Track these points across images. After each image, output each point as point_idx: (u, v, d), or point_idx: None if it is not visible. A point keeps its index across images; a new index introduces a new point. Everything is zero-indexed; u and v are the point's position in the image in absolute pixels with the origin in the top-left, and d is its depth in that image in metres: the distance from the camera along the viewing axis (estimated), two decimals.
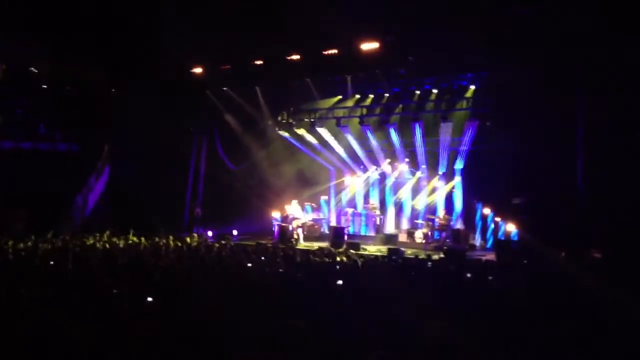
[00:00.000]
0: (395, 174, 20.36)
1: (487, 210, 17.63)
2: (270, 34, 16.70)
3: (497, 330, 5.76)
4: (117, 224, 16.54)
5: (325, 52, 16.59)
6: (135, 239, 14.28)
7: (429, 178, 19.51)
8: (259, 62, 18.06)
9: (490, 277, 9.51)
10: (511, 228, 16.36)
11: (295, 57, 17.14)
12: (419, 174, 19.63)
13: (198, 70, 19.28)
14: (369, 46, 15.88)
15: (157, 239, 14.28)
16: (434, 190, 19.38)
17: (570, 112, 14.51)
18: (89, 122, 21.05)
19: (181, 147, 20.48)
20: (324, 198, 21.80)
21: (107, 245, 12.55)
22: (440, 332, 5.32)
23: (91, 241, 13.35)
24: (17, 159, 20.43)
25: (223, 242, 14.72)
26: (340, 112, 19.72)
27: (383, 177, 20.96)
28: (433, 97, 18.50)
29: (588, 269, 10.82)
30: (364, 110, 19.23)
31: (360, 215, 20.60)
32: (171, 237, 14.74)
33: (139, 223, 16.27)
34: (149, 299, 6.61)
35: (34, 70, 21.50)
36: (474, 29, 14.21)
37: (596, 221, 13.45)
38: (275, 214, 19.92)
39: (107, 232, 15.20)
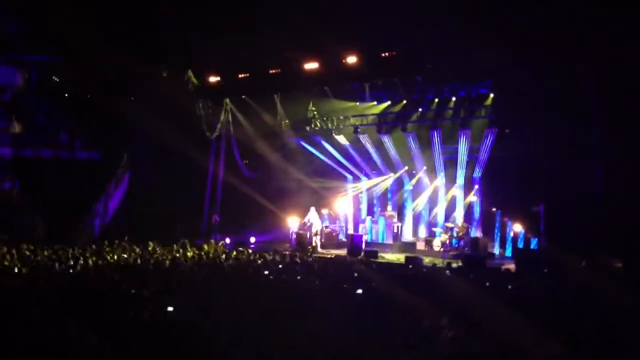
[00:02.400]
0: (413, 181, 20.30)
1: (506, 218, 17.48)
2: (287, 42, 16.79)
3: (516, 338, 5.70)
4: (136, 231, 16.65)
5: (344, 60, 16.61)
6: (152, 248, 14.22)
7: (448, 186, 19.39)
8: (276, 70, 18.14)
9: (509, 286, 9.42)
10: (530, 236, 16.20)
11: (313, 65, 17.17)
12: (437, 181, 19.51)
13: (215, 78, 19.42)
14: (387, 54, 15.87)
15: (174, 248, 14.25)
16: (452, 199, 19.26)
17: (589, 120, 14.38)
18: (108, 130, 21.26)
19: (199, 154, 20.59)
20: (342, 205, 21.76)
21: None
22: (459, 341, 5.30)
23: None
24: (38, 166, 20.68)
25: (241, 249, 14.71)
26: (357, 120, 19.71)
27: (401, 184, 20.88)
28: (452, 104, 18.42)
29: (608, 278, 10.68)
30: (382, 119, 19.24)
31: (377, 223, 20.53)
32: (188, 245, 14.76)
33: (158, 230, 16.38)
34: (170, 308, 6.64)
35: (56, 78, 21.82)
36: (491, 35, 14.17)
37: (616, 229, 13.29)
38: (293, 222, 19.94)
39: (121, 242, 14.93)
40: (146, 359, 5.08)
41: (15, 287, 7.91)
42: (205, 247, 15.21)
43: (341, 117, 20.10)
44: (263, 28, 16.58)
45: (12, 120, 21.70)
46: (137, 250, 13.38)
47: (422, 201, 20.09)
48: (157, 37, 18.63)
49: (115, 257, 12.14)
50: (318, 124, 20.21)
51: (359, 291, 8.18)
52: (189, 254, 13.23)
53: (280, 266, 11.89)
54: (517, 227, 16.98)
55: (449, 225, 18.38)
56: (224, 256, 12.65)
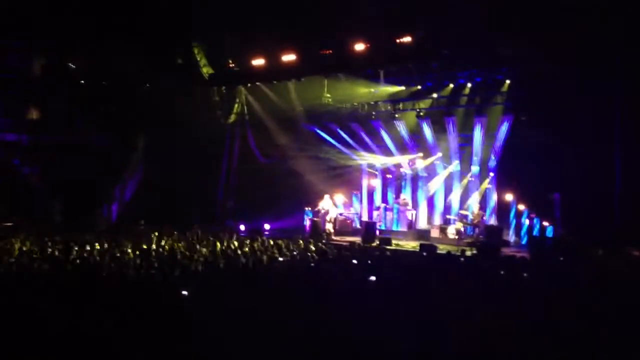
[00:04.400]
0: (426, 164, 20.13)
1: (521, 207, 17.34)
2: (302, 29, 16.74)
3: (530, 327, 5.69)
4: (151, 217, 16.78)
5: (357, 47, 16.50)
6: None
7: (463, 173, 19.26)
8: (290, 57, 18.09)
9: (524, 274, 9.37)
10: (546, 225, 16.08)
11: (328, 51, 17.10)
12: (451, 167, 19.36)
13: (232, 65, 19.43)
14: (402, 40, 15.72)
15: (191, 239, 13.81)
16: (467, 186, 19.14)
17: (608, 107, 14.20)
18: (124, 116, 21.39)
19: (214, 140, 20.65)
20: (356, 193, 21.74)
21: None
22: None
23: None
24: (54, 152, 20.87)
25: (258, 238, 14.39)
26: (371, 108, 19.64)
27: (415, 171, 20.76)
28: (467, 91, 18.27)
29: (626, 266, 10.58)
30: (396, 106, 19.17)
31: (392, 210, 20.47)
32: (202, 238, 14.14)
33: (173, 215, 16.48)
34: (184, 292, 6.71)
35: (71, 65, 21.94)
36: (510, 21, 14.00)
37: (634, 218, 13.15)
38: (307, 209, 19.95)
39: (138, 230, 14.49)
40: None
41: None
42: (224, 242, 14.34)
43: (355, 104, 20.05)
44: (278, 15, 16.54)
45: (28, 107, 21.88)
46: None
47: (435, 185, 19.93)
48: (171, 26, 18.68)
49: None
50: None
51: (372, 278, 8.19)
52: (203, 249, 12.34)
53: (295, 253, 11.93)
54: (533, 215, 16.85)
55: (464, 212, 18.29)
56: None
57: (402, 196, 20.32)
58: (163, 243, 12.59)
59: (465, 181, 19.17)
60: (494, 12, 13.95)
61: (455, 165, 19.23)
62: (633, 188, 13.60)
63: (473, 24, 14.51)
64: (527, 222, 17.13)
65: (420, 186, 20.57)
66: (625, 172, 13.90)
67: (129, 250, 10.89)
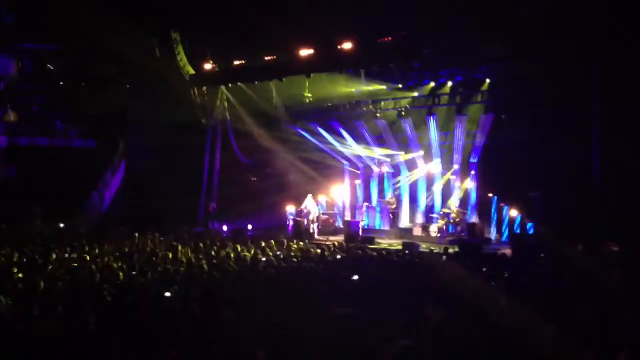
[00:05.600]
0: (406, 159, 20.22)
1: (502, 204, 17.50)
2: (282, 28, 16.69)
3: (512, 323, 5.74)
4: (133, 219, 16.65)
5: (339, 46, 16.49)
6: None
7: (444, 171, 19.37)
8: (271, 57, 18.04)
9: (505, 271, 9.47)
10: (527, 221, 16.24)
11: (308, 50, 17.07)
12: (432, 164, 19.42)
13: (209, 65, 19.32)
14: (384, 40, 15.73)
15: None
16: (448, 184, 19.25)
17: (587, 105, 14.39)
18: (104, 118, 21.20)
19: (195, 141, 20.54)
20: (338, 192, 21.76)
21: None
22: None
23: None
24: (33, 155, 20.64)
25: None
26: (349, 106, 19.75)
27: (397, 170, 20.84)
28: (448, 90, 18.38)
29: (605, 262, 10.72)
30: (378, 104, 19.25)
31: (374, 209, 20.54)
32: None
33: (155, 218, 16.38)
34: (167, 293, 6.69)
35: (50, 67, 21.72)
36: (490, 22, 14.10)
37: (613, 213, 13.34)
38: (290, 208, 19.94)
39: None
40: None
41: None
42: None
43: (337, 102, 20.10)
44: (258, 14, 16.49)
45: (7, 109, 21.61)
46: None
47: (413, 177, 20.01)
48: (153, 23, 18.55)
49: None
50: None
51: (355, 277, 8.22)
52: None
53: (279, 253, 11.93)
54: (514, 213, 17.01)
55: (446, 210, 18.40)
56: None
57: (389, 195, 20.34)
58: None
59: (445, 179, 19.28)
60: (473, 12, 14.05)
61: (436, 163, 19.32)
62: (611, 185, 13.80)
63: (453, 24, 14.59)
64: (508, 218, 17.30)
65: (402, 186, 20.65)
66: (603, 170, 14.09)
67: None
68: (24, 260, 10.30)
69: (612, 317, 5.96)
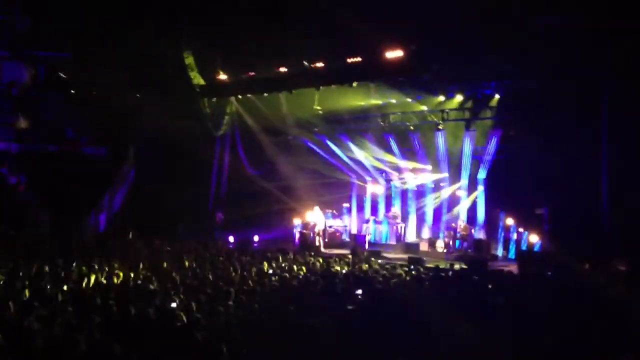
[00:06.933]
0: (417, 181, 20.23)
1: (509, 221, 17.41)
2: (294, 41, 16.80)
3: (519, 339, 5.72)
4: (140, 228, 16.70)
5: (349, 60, 16.55)
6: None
7: (452, 187, 19.33)
8: (282, 70, 18.13)
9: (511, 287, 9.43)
10: (534, 239, 16.16)
11: (319, 64, 17.14)
12: (457, 185, 19.32)
13: (223, 77, 19.46)
14: (393, 54, 15.74)
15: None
16: (456, 199, 19.20)
17: (596, 122, 14.35)
18: (114, 126, 21.31)
19: (204, 151, 20.61)
20: (345, 205, 21.76)
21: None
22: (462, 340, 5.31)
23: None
24: (44, 161, 20.73)
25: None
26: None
27: (421, 191, 20.73)
28: (456, 105, 18.37)
29: (612, 281, 10.66)
30: (386, 118, 19.30)
31: (381, 223, 20.51)
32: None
33: (163, 227, 16.41)
34: (173, 304, 6.71)
35: (62, 75, 21.90)
36: (500, 37, 14.11)
37: (621, 232, 13.27)
38: (297, 221, 19.94)
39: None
40: None
41: None
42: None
43: (346, 116, 20.15)
44: (269, 26, 16.61)
45: (18, 116, 21.77)
46: None
47: (438, 199, 19.94)
48: (165, 33, 18.69)
49: None
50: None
51: (359, 291, 8.21)
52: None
53: (284, 265, 11.92)
54: (521, 229, 16.93)
55: (452, 226, 18.35)
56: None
57: (393, 209, 20.35)
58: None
59: (453, 194, 19.21)
60: (483, 28, 14.08)
61: (445, 179, 19.27)
62: (619, 203, 13.73)
63: (464, 40, 14.61)
64: (515, 235, 17.21)
65: (410, 198, 20.62)
66: (612, 188, 14.03)
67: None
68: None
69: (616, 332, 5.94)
